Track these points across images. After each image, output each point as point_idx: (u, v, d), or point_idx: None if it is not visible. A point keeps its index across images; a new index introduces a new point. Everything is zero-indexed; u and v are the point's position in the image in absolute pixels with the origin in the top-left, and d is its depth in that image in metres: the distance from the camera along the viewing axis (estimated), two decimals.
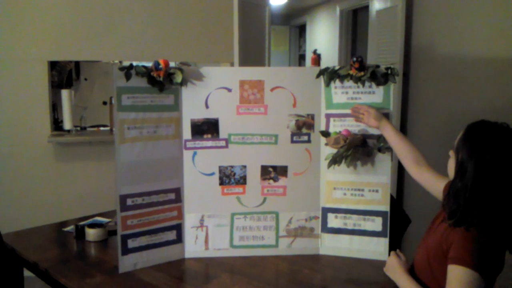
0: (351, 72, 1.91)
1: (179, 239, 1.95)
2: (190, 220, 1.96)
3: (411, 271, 1.51)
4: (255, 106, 1.95)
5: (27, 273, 1.99)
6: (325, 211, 2.00)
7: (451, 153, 1.41)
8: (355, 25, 5.53)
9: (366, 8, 4.23)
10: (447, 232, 1.36)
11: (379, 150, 1.90)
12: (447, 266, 1.32)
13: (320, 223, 2.00)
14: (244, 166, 1.97)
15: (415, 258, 1.55)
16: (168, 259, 1.91)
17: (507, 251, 1.34)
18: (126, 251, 1.81)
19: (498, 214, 1.29)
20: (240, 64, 3.26)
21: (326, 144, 1.95)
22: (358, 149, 1.90)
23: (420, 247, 1.53)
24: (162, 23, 3.45)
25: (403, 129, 3.26)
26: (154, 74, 1.83)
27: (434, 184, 1.60)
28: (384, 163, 1.93)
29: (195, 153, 1.95)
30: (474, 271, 1.25)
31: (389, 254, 1.63)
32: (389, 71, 1.89)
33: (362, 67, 1.88)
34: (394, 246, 1.91)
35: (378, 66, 1.90)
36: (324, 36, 6.15)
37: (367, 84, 1.92)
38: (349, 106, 1.94)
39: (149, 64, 1.84)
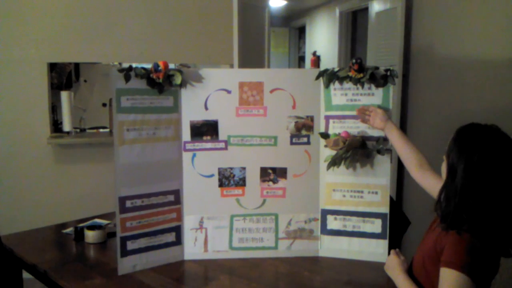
0: (350, 73, 1.91)
1: (179, 241, 1.94)
2: (189, 222, 1.96)
3: (410, 271, 1.51)
4: (254, 107, 1.95)
5: (26, 275, 1.98)
6: (325, 213, 1.99)
7: (444, 157, 1.42)
8: (354, 26, 5.54)
9: (365, 10, 4.23)
10: (442, 235, 1.37)
11: (379, 152, 1.90)
12: (439, 267, 1.32)
13: (319, 225, 2.00)
14: (244, 168, 1.97)
15: (413, 259, 1.55)
16: (167, 261, 1.91)
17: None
18: (125, 253, 1.81)
19: (490, 218, 1.28)
20: (240, 65, 3.26)
21: (326, 146, 1.95)
22: (357, 151, 1.90)
23: (418, 248, 1.53)
24: (161, 24, 3.46)
25: (402, 130, 3.26)
26: (154, 76, 1.83)
27: (436, 188, 1.60)
28: (383, 165, 1.93)
29: (194, 155, 1.95)
30: (464, 275, 1.25)
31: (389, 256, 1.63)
32: (389, 73, 1.89)
33: (361, 68, 1.88)
34: (393, 247, 1.90)
35: (377, 68, 1.90)
36: (323, 38, 6.15)
37: (366, 85, 1.92)
38: (348, 108, 1.94)
39: (149, 66, 1.84)
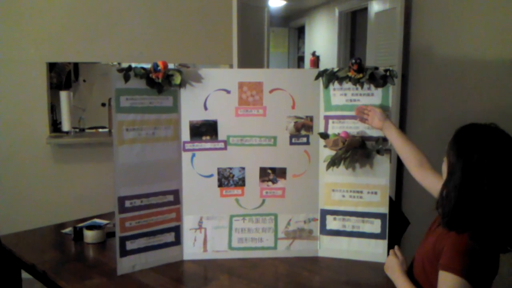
0: (350, 74, 1.90)
1: (178, 241, 1.94)
2: (188, 222, 1.96)
3: (410, 273, 1.51)
4: (254, 107, 1.95)
5: (25, 275, 1.98)
6: (324, 213, 1.99)
7: (445, 158, 1.42)
8: (354, 27, 5.54)
9: (365, 10, 4.23)
10: (441, 237, 1.37)
11: (378, 152, 1.90)
12: (437, 270, 1.33)
13: (318, 225, 2.00)
14: (243, 168, 1.97)
15: (413, 260, 1.55)
16: (166, 261, 1.90)
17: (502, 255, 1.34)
18: (124, 253, 1.81)
19: (489, 216, 1.28)
20: (239, 65, 3.26)
21: (325, 146, 1.95)
22: (356, 151, 1.90)
23: (418, 250, 1.53)
24: (161, 24, 3.45)
25: (401, 130, 3.26)
26: (153, 75, 1.83)
27: (437, 187, 1.59)
28: (383, 165, 1.93)
29: (193, 155, 1.94)
30: (462, 278, 1.25)
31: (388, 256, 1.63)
32: (388, 73, 1.89)
33: (360, 69, 1.88)
34: (393, 248, 1.90)
35: (377, 68, 1.90)
36: (323, 38, 6.15)
37: (366, 86, 1.92)
38: (347, 108, 1.94)
39: (148, 65, 1.84)
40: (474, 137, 1.32)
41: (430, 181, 1.62)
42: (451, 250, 1.30)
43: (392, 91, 1.92)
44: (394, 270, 1.52)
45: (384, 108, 1.88)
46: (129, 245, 1.82)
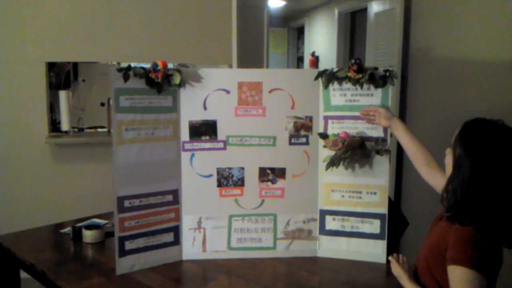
0: (349, 74, 1.90)
1: (177, 241, 1.94)
2: (187, 222, 1.96)
3: (415, 274, 1.52)
4: (253, 108, 1.95)
5: (23, 274, 1.98)
6: (323, 213, 1.99)
7: (448, 151, 1.43)
8: (353, 27, 5.54)
9: (364, 10, 4.23)
10: (444, 232, 1.39)
11: (377, 152, 1.90)
12: (443, 265, 1.34)
13: (318, 225, 2.00)
14: (242, 168, 1.97)
15: (417, 260, 1.56)
16: (165, 261, 1.90)
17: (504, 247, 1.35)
18: (123, 253, 1.80)
19: (495, 209, 1.30)
20: (239, 66, 3.26)
21: (324, 146, 1.95)
22: (356, 151, 1.90)
23: (422, 249, 1.54)
24: (160, 24, 3.45)
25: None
26: (152, 75, 1.83)
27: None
28: (382, 165, 1.92)
29: (193, 155, 1.94)
30: (472, 270, 1.27)
31: (387, 256, 1.63)
32: (388, 74, 1.89)
33: (360, 69, 1.88)
34: (392, 248, 1.91)
35: (376, 69, 1.90)
36: (322, 38, 6.15)
37: (365, 86, 1.92)
38: (347, 108, 1.94)
39: (147, 65, 1.84)
40: (482, 133, 1.34)
41: (438, 180, 1.63)
42: (457, 243, 1.32)
43: (392, 91, 1.92)
44: (401, 276, 1.53)
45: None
46: (128, 245, 1.82)
